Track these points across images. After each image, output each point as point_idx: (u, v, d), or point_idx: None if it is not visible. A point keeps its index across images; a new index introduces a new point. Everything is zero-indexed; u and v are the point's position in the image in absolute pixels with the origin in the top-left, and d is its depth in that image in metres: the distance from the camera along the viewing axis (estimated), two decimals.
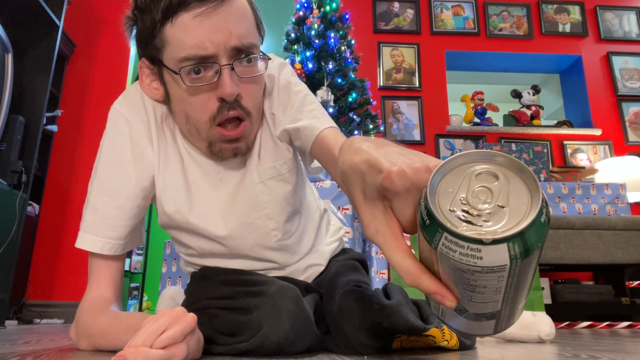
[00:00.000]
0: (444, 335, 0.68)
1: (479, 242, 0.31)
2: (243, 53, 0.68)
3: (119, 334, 0.61)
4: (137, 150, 0.75)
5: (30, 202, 2.48)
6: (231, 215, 0.78)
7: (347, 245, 1.00)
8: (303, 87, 0.83)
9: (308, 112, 0.78)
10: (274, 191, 0.79)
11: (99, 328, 0.66)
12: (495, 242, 0.31)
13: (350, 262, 0.87)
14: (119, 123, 0.76)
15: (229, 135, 0.70)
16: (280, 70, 0.82)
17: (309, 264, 0.85)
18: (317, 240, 0.89)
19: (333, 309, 0.70)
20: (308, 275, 0.84)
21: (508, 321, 0.39)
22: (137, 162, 0.75)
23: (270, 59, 0.75)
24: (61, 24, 2.58)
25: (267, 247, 0.80)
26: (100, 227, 0.73)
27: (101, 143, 0.77)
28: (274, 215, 0.79)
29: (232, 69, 0.67)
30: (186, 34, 0.64)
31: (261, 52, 0.71)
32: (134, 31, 0.72)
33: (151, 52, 0.69)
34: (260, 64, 0.72)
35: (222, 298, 0.70)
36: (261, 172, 0.79)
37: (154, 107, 0.77)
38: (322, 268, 0.86)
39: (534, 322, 1.05)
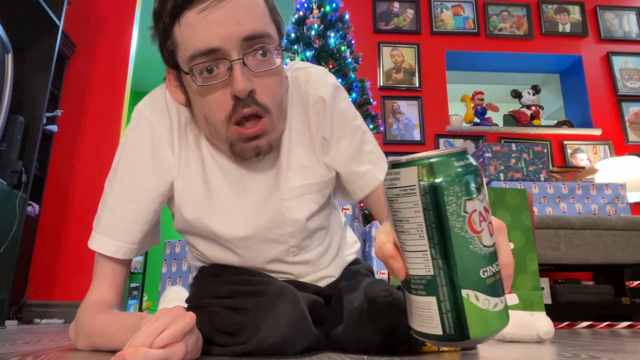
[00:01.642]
0: None
1: (398, 165, 0.38)
2: (256, 45, 0.64)
3: (117, 334, 0.62)
4: (157, 153, 0.74)
5: (30, 202, 2.48)
6: (252, 226, 0.76)
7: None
8: (361, 122, 0.80)
9: (367, 155, 0.78)
10: (303, 209, 0.76)
11: (97, 328, 0.66)
12: (409, 163, 0.37)
13: (366, 270, 0.88)
14: (141, 125, 0.74)
15: (246, 133, 0.67)
16: (336, 94, 0.78)
17: (325, 275, 0.83)
18: (338, 254, 0.87)
19: (360, 304, 0.68)
20: (321, 284, 0.83)
21: (455, 315, 0.36)
22: (156, 166, 0.73)
23: (283, 49, 0.71)
24: (61, 24, 2.58)
25: (284, 262, 0.79)
26: (115, 231, 0.72)
27: (122, 143, 0.76)
28: (297, 233, 0.77)
29: (244, 63, 0.63)
30: (192, 31, 0.63)
31: (278, 45, 0.68)
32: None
33: (169, 56, 0.68)
34: (277, 59, 0.68)
35: (223, 297, 0.70)
36: (292, 188, 0.76)
37: (179, 111, 0.75)
38: (335, 278, 0.85)
39: (532, 321, 1.06)
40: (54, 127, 2.84)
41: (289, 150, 0.77)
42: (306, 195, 0.77)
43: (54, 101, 2.94)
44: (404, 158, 0.38)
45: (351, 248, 0.92)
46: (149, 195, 0.73)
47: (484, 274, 0.36)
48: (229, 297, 0.69)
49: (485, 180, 0.38)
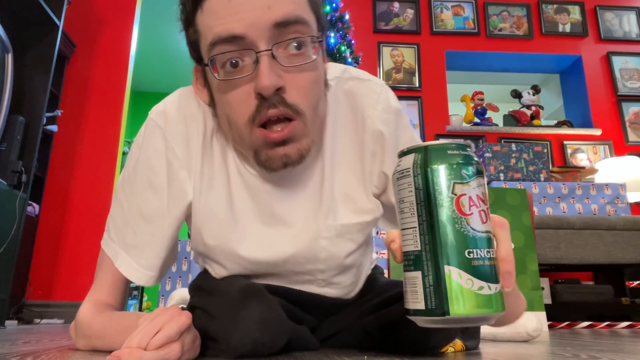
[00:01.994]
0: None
1: (402, 153, 0.43)
2: (289, 35, 0.55)
3: (115, 335, 0.61)
4: (172, 173, 0.66)
5: (30, 202, 2.48)
6: (280, 257, 0.68)
7: None
8: (411, 130, 0.71)
9: None
10: (339, 250, 0.68)
11: (95, 329, 0.65)
12: (409, 151, 0.42)
13: (379, 273, 0.86)
14: (154, 137, 0.66)
15: (272, 137, 0.57)
16: (399, 123, 0.68)
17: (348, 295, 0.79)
18: (363, 276, 0.79)
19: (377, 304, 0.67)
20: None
21: (437, 289, 0.38)
22: (170, 187, 0.66)
23: (320, 40, 0.60)
24: (61, 24, 2.58)
25: (307, 288, 0.72)
26: (137, 253, 0.67)
27: (136, 152, 0.67)
28: (329, 270, 0.70)
29: (273, 55, 0.54)
30: (213, 16, 0.55)
31: (315, 35, 0.58)
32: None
33: (192, 48, 0.62)
34: (313, 54, 0.58)
35: (201, 297, 0.68)
36: (331, 227, 0.67)
37: (205, 117, 0.67)
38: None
39: (521, 320, 1.09)
40: (54, 127, 2.84)
41: (332, 174, 0.68)
42: (346, 235, 0.68)
43: (54, 101, 2.94)
44: (407, 147, 0.42)
45: (373, 264, 0.86)
46: (165, 220, 0.66)
47: (469, 255, 0.38)
48: (206, 298, 0.67)
49: (485, 176, 0.41)
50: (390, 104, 0.69)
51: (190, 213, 0.68)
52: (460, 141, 0.42)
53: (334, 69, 0.71)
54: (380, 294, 0.74)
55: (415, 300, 0.40)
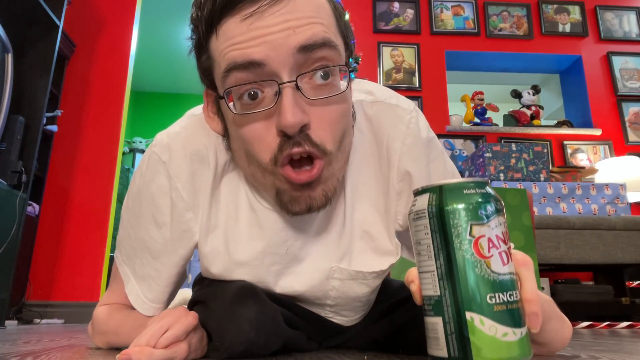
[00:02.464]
0: None
1: (417, 192, 0.41)
2: (315, 63, 0.49)
3: (130, 331, 0.63)
4: (176, 214, 0.61)
5: (30, 202, 2.48)
6: (289, 292, 0.65)
7: None
8: (443, 161, 0.65)
9: None
10: (350, 290, 0.65)
11: (112, 325, 0.68)
12: (423, 191, 0.40)
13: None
14: (158, 174, 0.61)
15: (300, 179, 0.51)
16: (431, 157, 0.62)
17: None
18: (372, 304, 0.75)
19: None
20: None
21: (459, 337, 0.36)
22: (175, 227, 0.62)
23: (351, 70, 0.54)
24: (61, 24, 2.58)
25: (315, 310, 0.70)
26: (145, 286, 0.65)
27: (139, 181, 0.63)
28: (336, 305, 0.67)
29: (297, 87, 0.48)
30: (230, 41, 0.49)
31: (344, 64, 0.52)
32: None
33: (204, 75, 0.56)
34: (343, 83, 0.51)
35: (202, 292, 0.68)
36: (344, 271, 0.63)
37: (216, 151, 0.61)
38: None
39: None
40: (54, 127, 2.84)
41: (352, 210, 0.63)
42: (359, 280, 0.64)
43: (54, 101, 2.94)
44: (421, 187, 0.41)
45: None
46: (169, 259, 0.63)
47: (491, 300, 0.36)
48: (206, 289, 0.67)
49: (505, 215, 0.39)
50: (420, 135, 0.62)
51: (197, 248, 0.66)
52: (478, 179, 0.40)
53: (356, 91, 0.64)
54: (384, 299, 0.74)
55: (437, 347, 0.38)
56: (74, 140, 3.07)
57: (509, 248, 0.38)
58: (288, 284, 0.64)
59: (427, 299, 0.39)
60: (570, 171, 2.89)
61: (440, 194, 0.39)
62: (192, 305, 0.66)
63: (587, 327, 2.12)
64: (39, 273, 2.76)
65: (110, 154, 3.08)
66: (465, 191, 0.38)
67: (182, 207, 0.61)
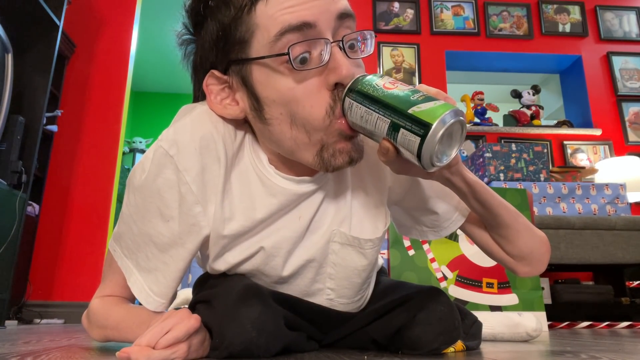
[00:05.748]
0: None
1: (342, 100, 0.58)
2: (344, 29, 0.57)
3: (131, 327, 0.63)
4: (185, 207, 0.61)
5: (30, 202, 2.48)
6: (298, 263, 0.67)
7: None
8: None
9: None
10: (348, 256, 0.68)
11: (112, 320, 0.67)
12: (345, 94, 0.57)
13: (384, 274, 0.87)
14: (165, 167, 0.60)
15: (349, 129, 0.57)
16: None
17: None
18: (370, 290, 0.78)
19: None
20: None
21: (416, 122, 0.51)
22: (183, 221, 0.62)
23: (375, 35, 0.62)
24: (61, 24, 2.58)
25: (316, 299, 0.71)
26: (151, 279, 0.64)
27: (140, 176, 0.62)
28: (336, 277, 0.69)
29: (342, 47, 0.56)
30: (280, 6, 0.54)
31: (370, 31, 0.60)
32: (194, 52, 0.64)
33: (229, 54, 0.59)
34: (371, 48, 0.60)
35: (205, 293, 0.68)
36: (342, 234, 0.67)
37: (224, 143, 0.62)
38: None
39: (521, 320, 1.12)
40: (54, 127, 2.84)
41: (354, 176, 0.69)
42: (357, 246, 0.68)
43: (54, 101, 2.94)
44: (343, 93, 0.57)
45: (378, 267, 0.84)
46: (177, 252, 0.63)
47: (414, 96, 0.52)
48: (209, 290, 0.66)
49: (387, 77, 0.59)
50: None
51: (206, 242, 0.65)
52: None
53: None
54: (383, 298, 0.75)
55: (414, 144, 0.51)
56: (74, 140, 3.07)
57: (401, 84, 0.55)
58: (299, 255, 0.67)
59: (389, 134, 0.52)
60: (570, 171, 2.89)
61: (355, 83, 0.55)
62: (195, 304, 0.65)
63: (587, 327, 2.12)
64: (39, 273, 2.76)
65: (110, 154, 3.08)
66: (361, 78, 0.55)
67: (191, 200, 0.61)
